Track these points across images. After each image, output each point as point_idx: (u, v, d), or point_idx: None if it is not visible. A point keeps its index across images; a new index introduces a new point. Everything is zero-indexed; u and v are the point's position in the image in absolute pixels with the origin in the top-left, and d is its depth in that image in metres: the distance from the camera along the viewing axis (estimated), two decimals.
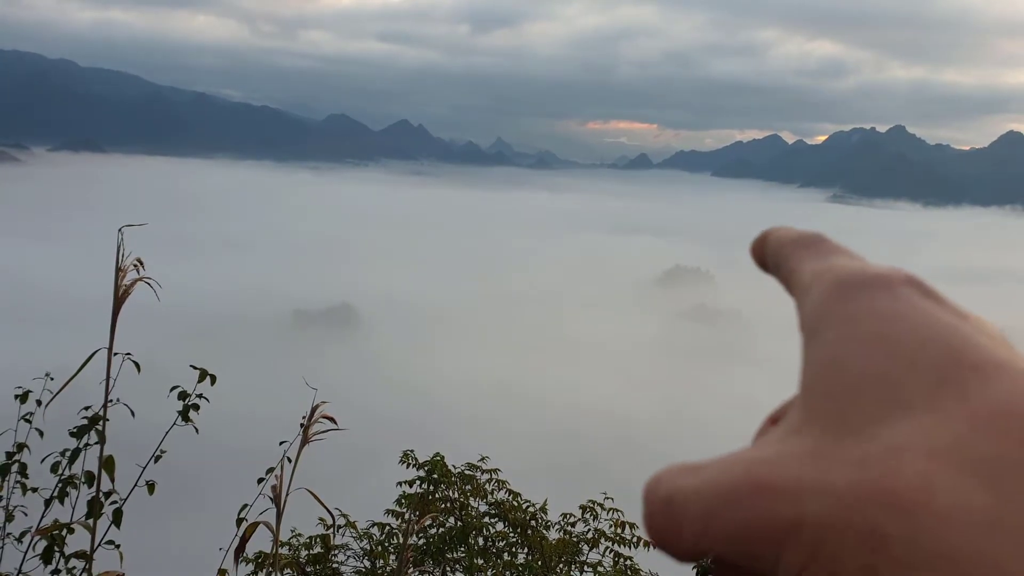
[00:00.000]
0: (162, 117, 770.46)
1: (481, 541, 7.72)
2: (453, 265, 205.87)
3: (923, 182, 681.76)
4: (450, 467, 7.97)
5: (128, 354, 2.96)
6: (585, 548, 7.44)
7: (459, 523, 7.68)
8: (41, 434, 3.80)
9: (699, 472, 0.42)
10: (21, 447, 3.77)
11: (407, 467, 8.04)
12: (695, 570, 4.92)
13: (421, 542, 7.52)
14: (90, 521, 3.07)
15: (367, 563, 7.39)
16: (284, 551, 6.40)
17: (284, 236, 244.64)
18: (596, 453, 62.88)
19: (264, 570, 5.49)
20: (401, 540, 7.21)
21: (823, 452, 0.41)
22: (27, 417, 3.81)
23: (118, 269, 2.73)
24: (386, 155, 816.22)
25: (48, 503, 3.54)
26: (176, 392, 3.58)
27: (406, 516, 7.50)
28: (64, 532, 3.29)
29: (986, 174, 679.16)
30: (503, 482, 7.97)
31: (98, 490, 3.08)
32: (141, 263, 2.74)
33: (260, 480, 3.08)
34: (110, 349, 2.86)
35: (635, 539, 7.30)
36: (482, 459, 8.14)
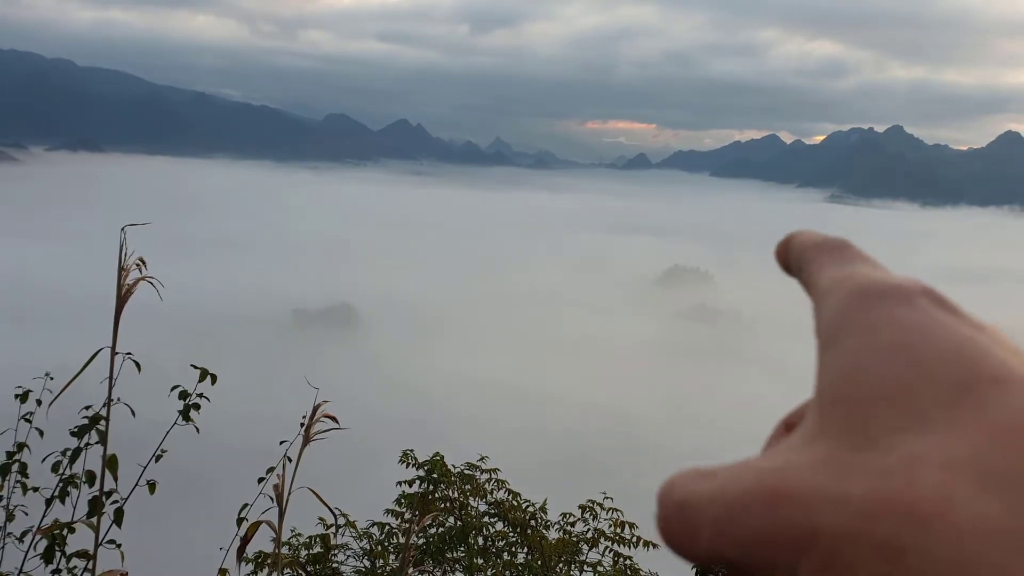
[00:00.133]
0: (162, 117, 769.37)
1: (481, 541, 7.72)
2: (453, 265, 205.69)
3: (921, 182, 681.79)
4: (450, 467, 7.98)
5: (129, 353, 2.96)
6: (585, 548, 7.45)
7: (459, 523, 7.68)
8: (41, 434, 3.80)
9: (714, 478, 0.42)
10: (21, 447, 3.78)
11: (407, 467, 8.05)
12: (695, 570, 4.93)
13: (421, 542, 7.52)
14: (92, 520, 3.08)
15: (367, 563, 7.39)
16: (284, 551, 6.39)
17: (284, 236, 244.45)
18: (596, 453, 62.86)
19: (264, 569, 5.49)
20: (401, 540, 7.21)
21: (840, 461, 0.40)
22: (27, 417, 3.82)
23: (121, 268, 2.73)
24: (385, 155, 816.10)
25: (49, 503, 3.54)
26: (177, 392, 3.59)
27: (406, 516, 7.50)
28: (65, 532, 3.30)
29: (984, 174, 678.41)
30: (503, 482, 7.97)
31: (100, 489, 3.09)
32: (143, 262, 2.74)
33: (261, 479, 3.08)
34: (113, 348, 2.85)
35: (635, 539, 7.31)
36: (482, 459, 8.15)
